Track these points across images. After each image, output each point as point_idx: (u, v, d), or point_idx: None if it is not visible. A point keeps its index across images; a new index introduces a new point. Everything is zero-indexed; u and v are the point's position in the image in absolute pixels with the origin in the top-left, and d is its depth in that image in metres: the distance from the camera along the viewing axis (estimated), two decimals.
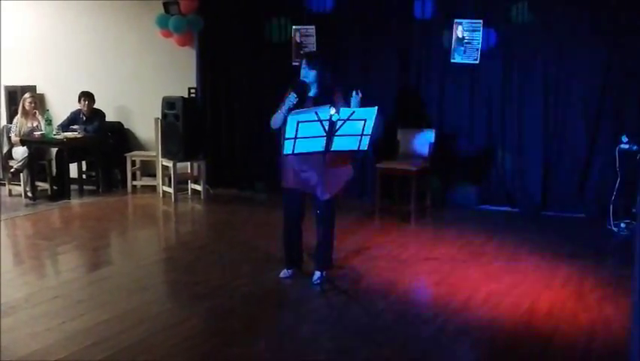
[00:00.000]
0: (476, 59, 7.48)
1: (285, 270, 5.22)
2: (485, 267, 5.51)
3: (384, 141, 7.51)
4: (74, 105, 8.72)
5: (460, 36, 7.53)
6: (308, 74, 4.90)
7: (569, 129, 7.26)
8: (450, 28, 7.56)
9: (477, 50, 7.46)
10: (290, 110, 4.65)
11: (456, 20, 7.53)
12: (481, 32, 7.42)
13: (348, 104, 4.75)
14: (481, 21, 7.42)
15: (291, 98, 4.73)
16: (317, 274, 5.01)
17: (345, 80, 7.81)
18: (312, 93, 4.91)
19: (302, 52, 7.80)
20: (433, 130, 7.61)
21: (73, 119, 8.63)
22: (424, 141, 7.57)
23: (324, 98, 4.78)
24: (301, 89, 4.84)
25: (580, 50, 7.08)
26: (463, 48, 7.53)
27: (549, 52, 7.19)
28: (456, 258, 5.78)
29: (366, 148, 4.74)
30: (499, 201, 7.64)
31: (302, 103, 4.78)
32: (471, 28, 7.49)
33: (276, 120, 4.87)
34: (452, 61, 7.60)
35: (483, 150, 7.64)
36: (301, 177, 4.92)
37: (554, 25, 7.14)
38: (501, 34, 7.39)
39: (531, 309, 4.55)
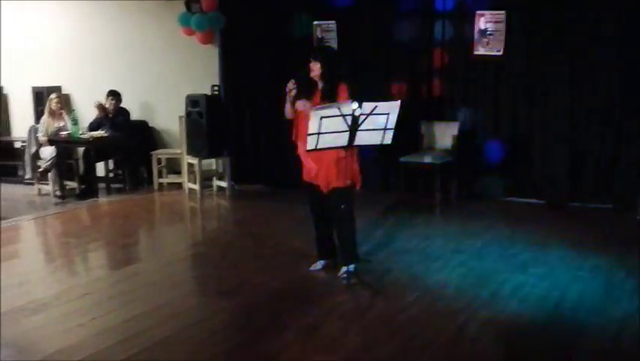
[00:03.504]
0: (499, 51, 7.42)
1: (317, 262, 5.25)
2: (512, 259, 5.48)
3: (408, 134, 7.51)
4: None
5: (483, 27, 7.47)
6: (314, 67, 4.92)
7: (596, 120, 7.16)
8: (472, 20, 7.51)
9: (500, 41, 7.40)
10: (293, 98, 4.85)
11: (478, 12, 7.48)
12: (504, 24, 7.36)
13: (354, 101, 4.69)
14: (504, 12, 7.36)
15: (289, 84, 4.91)
16: (343, 268, 5.02)
17: (368, 75, 7.88)
18: (319, 87, 4.93)
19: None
20: (457, 122, 7.57)
21: (99, 121, 8.70)
22: (448, 133, 7.54)
23: (330, 93, 4.81)
24: (301, 77, 4.90)
25: (607, 39, 6.97)
26: (486, 40, 7.48)
27: (575, 41, 7.10)
28: (482, 250, 5.75)
29: (389, 142, 4.73)
30: (526, 193, 7.57)
31: (308, 96, 4.84)
32: (494, 20, 7.43)
33: (285, 111, 5.04)
34: (475, 53, 7.55)
35: (508, 142, 7.58)
36: (308, 168, 5.02)
37: (579, 13, 7.05)
38: (525, 24, 7.32)
39: (560, 301, 4.52)
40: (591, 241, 5.90)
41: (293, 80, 4.93)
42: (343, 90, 4.86)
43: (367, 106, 4.50)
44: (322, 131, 4.45)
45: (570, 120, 7.24)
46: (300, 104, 4.87)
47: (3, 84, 10.26)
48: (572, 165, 7.30)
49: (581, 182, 7.32)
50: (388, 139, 4.70)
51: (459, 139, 7.48)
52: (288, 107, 5.01)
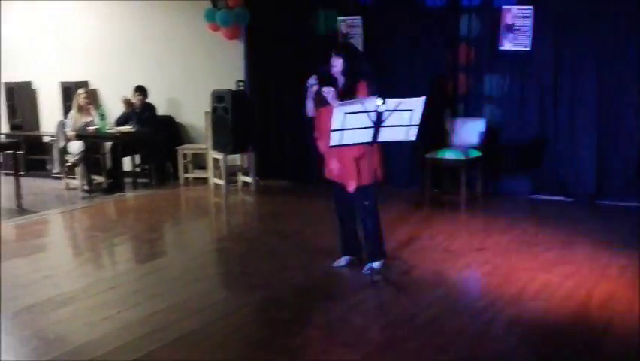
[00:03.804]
0: (527, 46, 7.35)
1: (341, 258, 5.25)
2: (538, 257, 5.43)
3: (434, 130, 7.48)
4: None
5: (510, 22, 7.40)
6: (336, 63, 4.89)
7: (624, 116, 7.06)
8: (499, 15, 7.44)
9: (527, 36, 7.32)
10: (314, 94, 4.79)
11: (504, 7, 7.41)
12: (531, 18, 7.29)
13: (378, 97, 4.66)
14: (531, 7, 7.28)
15: (310, 80, 4.83)
16: (367, 265, 5.02)
17: (392, 70, 7.86)
18: (340, 83, 4.91)
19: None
20: (483, 118, 7.52)
21: (126, 116, 8.79)
22: (473, 129, 7.49)
23: (349, 89, 4.78)
24: (323, 73, 4.86)
25: (635, 34, 6.87)
26: (512, 35, 7.41)
27: (602, 37, 7.01)
28: (508, 248, 5.70)
29: (414, 138, 4.70)
30: (552, 190, 7.50)
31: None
32: (521, 15, 7.36)
33: (307, 108, 4.98)
34: (501, 48, 7.48)
35: (535, 137, 7.51)
36: (330, 167, 5.01)
37: (607, 9, 6.95)
38: (552, 19, 7.24)
39: (586, 300, 4.47)
40: (619, 240, 5.81)
41: (314, 76, 4.87)
42: (363, 87, 4.81)
43: (391, 102, 4.48)
44: (346, 127, 4.44)
45: (598, 116, 7.15)
46: (326, 91, 4.80)
47: (32, 79, 10.40)
48: (600, 162, 7.20)
49: (609, 179, 7.22)
50: (413, 135, 4.68)
51: (485, 135, 7.42)
52: (309, 104, 4.94)
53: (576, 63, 7.19)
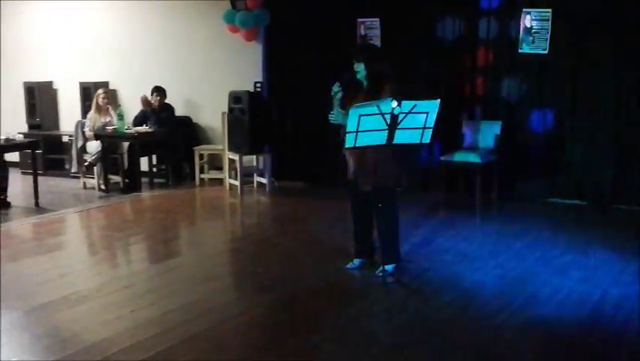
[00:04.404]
0: (545, 49, 7.30)
1: (354, 260, 5.25)
2: (552, 261, 5.39)
3: (450, 133, 7.47)
4: None
5: (529, 25, 7.36)
6: (359, 68, 4.92)
7: None
8: (518, 18, 7.41)
9: (546, 39, 7.28)
10: (340, 100, 4.84)
11: (524, 9, 7.37)
12: (550, 22, 7.24)
13: (401, 99, 4.66)
14: (550, 10, 7.24)
15: (334, 87, 4.88)
16: (380, 267, 5.02)
17: (411, 73, 7.85)
18: (364, 87, 4.93)
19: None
20: (500, 121, 7.48)
21: (144, 116, 8.85)
22: (490, 132, 7.46)
23: (374, 93, 4.79)
24: (347, 78, 4.89)
25: None
26: (531, 38, 7.37)
27: (621, 40, 6.94)
28: (522, 252, 5.67)
29: (428, 141, 4.69)
30: (569, 194, 7.43)
31: (354, 96, 4.82)
32: (539, 18, 7.32)
33: (335, 117, 4.95)
34: (520, 51, 7.44)
35: (552, 141, 7.46)
36: (349, 168, 5.04)
37: (626, 12, 6.89)
38: (571, 23, 7.19)
39: (599, 305, 4.43)
40: (634, 245, 5.75)
41: (337, 83, 4.90)
42: (386, 90, 4.84)
43: (407, 104, 4.48)
44: (360, 129, 4.45)
45: (616, 121, 7.09)
46: None
47: (53, 79, 10.51)
48: (617, 166, 7.14)
49: (626, 184, 7.15)
50: (427, 138, 4.65)
51: (501, 138, 7.39)
52: (335, 111, 4.93)
53: (594, 67, 7.13)
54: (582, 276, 5.01)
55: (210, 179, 9.11)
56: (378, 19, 8.17)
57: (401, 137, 4.60)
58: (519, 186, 7.66)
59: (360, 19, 8.28)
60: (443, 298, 4.63)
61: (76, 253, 6.20)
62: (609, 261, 5.37)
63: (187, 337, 4.00)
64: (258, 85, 8.87)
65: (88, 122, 8.87)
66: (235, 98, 8.41)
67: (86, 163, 8.79)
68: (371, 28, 8.25)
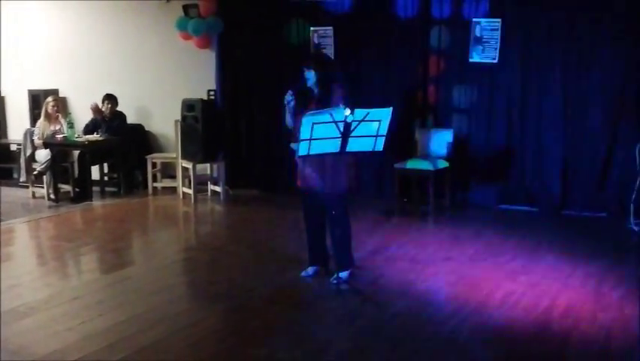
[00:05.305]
0: (494, 58, 7.45)
1: (308, 268, 5.25)
2: (503, 266, 5.48)
3: (403, 140, 7.54)
4: None
5: (479, 35, 7.50)
6: (309, 76, 4.96)
7: (588, 128, 7.18)
8: (468, 28, 7.54)
9: (495, 49, 7.43)
10: (293, 108, 4.90)
11: (474, 19, 7.50)
12: (499, 31, 7.39)
13: (347, 105, 4.70)
14: (499, 20, 7.38)
15: (287, 96, 4.93)
16: (334, 274, 5.03)
17: (363, 81, 7.92)
18: (315, 93, 4.96)
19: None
20: (452, 129, 7.59)
21: (95, 124, 8.71)
22: (442, 140, 7.56)
23: (325, 98, 4.84)
24: (299, 87, 4.95)
25: (600, 48, 7.01)
26: (481, 47, 7.50)
27: (568, 50, 7.13)
28: (474, 258, 5.76)
29: (381, 149, 4.74)
30: (519, 201, 7.58)
31: (305, 103, 4.86)
32: (489, 27, 7.46)
33: (287, 121, 5.06)
34: (470, 60, 7.57)
35: (502, 149, 7.60)
36: (304, 173, 5.06)
37: (574, 22, 7.07)
38: (520, 32, 7.35)
39: (549, 309, 4.52)
40: (582, 249, 5.91)
41: (290, 92, 4.96)
42: (337, 91, 4.89)
43: (360, 112, 4.52)
44: (314, 137, 4.47)
45: (564, 128, 7.26)
46: None
47: (0, 87, 10.27)
48: (565, 172, 7.31)
49: (573, 190, 7.33)
50: (380, 146, 4.70)
51: (453, 146, 7.50)
52: (288, 117, 5.03)
53: (542, 76, 7.30)
54: (532, 280, 5.10)
55: (163, 187, 9.01)
56: (331, 28, 8.22)
57: (354, 145, 4.65)
58: (471, 192, 7.78)
59: (313, 28, 8.32)
60: (397, 304, 4.67)
61: (24, 264, 6.05)
62: (558, 265, 5.48)
63: (138, 348, 3.94)
64: (212, 93, 8.82)
65: (37, 130, 8.70)
66: (188, 105, 8.34)
67: (35, 172, 8.60)
68: (324, 37, 8.29)
